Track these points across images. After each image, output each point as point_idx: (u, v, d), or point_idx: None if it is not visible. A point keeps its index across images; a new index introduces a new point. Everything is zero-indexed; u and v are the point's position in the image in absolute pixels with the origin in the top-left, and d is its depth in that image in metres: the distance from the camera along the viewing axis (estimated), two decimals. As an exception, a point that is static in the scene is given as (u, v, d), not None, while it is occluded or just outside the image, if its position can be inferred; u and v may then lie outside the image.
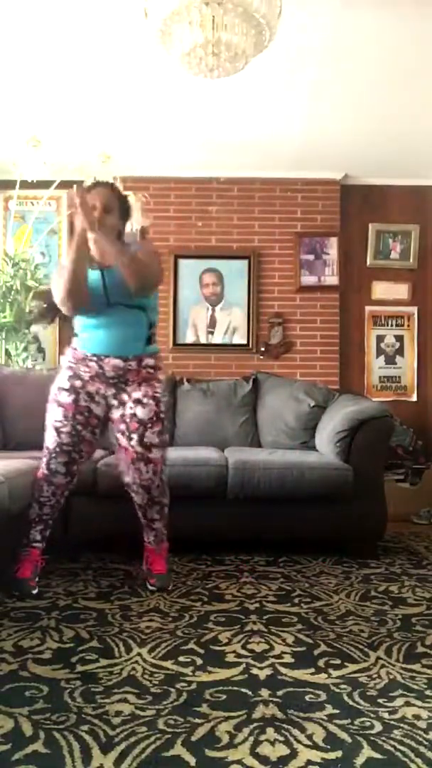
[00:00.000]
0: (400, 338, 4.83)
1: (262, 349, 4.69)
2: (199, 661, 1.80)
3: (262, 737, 1.39)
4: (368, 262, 4.82)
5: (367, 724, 1.45)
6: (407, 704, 1.55)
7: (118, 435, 2.50)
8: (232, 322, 4.70)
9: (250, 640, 1.97)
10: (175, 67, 2.66)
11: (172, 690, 1.62)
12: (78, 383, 2.48)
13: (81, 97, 3.57)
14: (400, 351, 4.83)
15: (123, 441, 2.48)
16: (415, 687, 1.65)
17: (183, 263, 4.69)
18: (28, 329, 4.13)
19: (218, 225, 4.72)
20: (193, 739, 1.39)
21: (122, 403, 2.48)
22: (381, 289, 4.84)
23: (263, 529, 3.00)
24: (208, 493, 2.98)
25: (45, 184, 4.04)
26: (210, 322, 4.69)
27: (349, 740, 1.38)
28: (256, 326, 4.69)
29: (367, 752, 1.33)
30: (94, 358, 2.46)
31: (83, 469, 2.61)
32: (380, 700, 1.57)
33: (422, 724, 1.45)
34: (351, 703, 1.56)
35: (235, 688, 1.63)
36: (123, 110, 3.74)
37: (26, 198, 4.44)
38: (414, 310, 4.84)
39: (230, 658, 1.83)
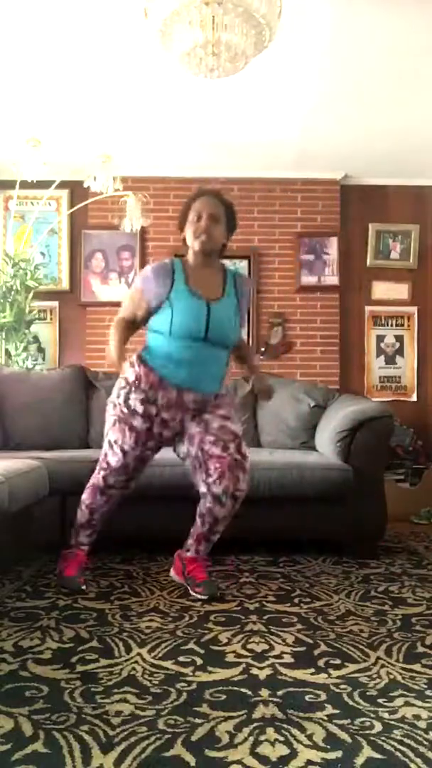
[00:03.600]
0: (400, 338, 4.83)
1: (262, 349, 4.69)
2: (199, 661, 1.80)
3: (262, 737, 1.39)
4: (368, 262, 4.82)
5: (367, 724, 1.45)
6: (407, 704, 1.55)
7: (208, 445, 2.36)
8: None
9: (250, 640, 1.97)
10: (175, 67, 2.66)
11: (172, 690, 1.62)
12: (153, 410, 2.37)
13: (81, 97, 3.57)
14: (400, 351, 4.83)
15: (216, 450, 2.35)
16: (415, 687, 1.65)
17: (183, 263, 4.69)
18: (28, 329, 4.13)
19: (218, 225, 4.72)
20: (193, 739, 1.38)
21: (204, 420, 2.40)
22: (381, 289, 4.84)
23: (263, 529, 3.00)
24: (208, 493, 2.98)
25: (45, 184, 4.04)
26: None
27: (349, 740, 1.38)
28: (256, 326, 4.69)
29: (367, 752, 1.33)
30: (174, 389, 2.36)
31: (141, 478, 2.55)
32: (380, 700, 1.57)
33: (422, 724, 1.45)
34: (351, 703, 1.56)
35: (235, 688, 1.63)
36: (123, 110, 3.75)
37: (26, 198, 4.44)
38: (414, 310, 4.84)
39: (230, 658, 1.83)
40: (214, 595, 2.36)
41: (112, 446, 2.41)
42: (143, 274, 2.41)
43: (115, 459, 2.41)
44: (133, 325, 2.48)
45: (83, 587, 2.43)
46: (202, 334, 2.31)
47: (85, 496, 2.49)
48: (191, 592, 2.41)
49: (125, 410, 2.38)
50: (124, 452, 2.39)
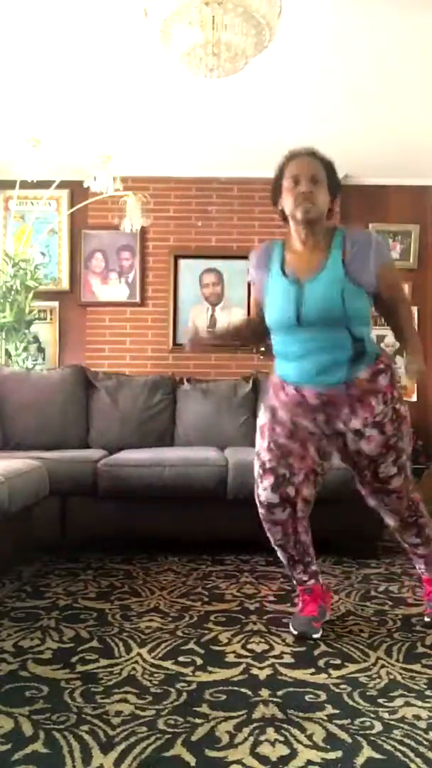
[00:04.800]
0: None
1: (262, 349, 4.68)
2: (199, 661, 1.80)
3: (262, 737, 1.39)
4: (368, 262, 4.81)
5: (367, 724, 1.45)
6: (407, 704, 1.55)
7: (356, 476, 2.12)
8: (232, 323, 4.69)
9: (250, 640, 1.97)
10: (175, 67, 2.66)
11: (172, 690, 1.62)
12: (275, 403, 2.07)
13: (81, 97, 3.57)
14: (400, 351, 4.82)
15: (356, 475, 2.11)
16: (415, 687, 1.65)
17: (183, 263, 4.69)
18: (28, 329, 4.13)
19: (218, 225, 4.72)
20: (193, 739, 1.39)
21: (339, 434, 2.02)
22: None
23: (263, 529, 3.00)
24: (208, 493, 2.98)
25: (45, 184, 4.04)
26: (210, 322, 4.69)
27: (349, 740, 1.38)
28: (256, 326, 4.69)
29: (367, 752, 1.33)
30: (292, 386, 2.02)
31: (308, 494, 2.10)
32: (380, 700, 1.57)
33: (422, 724, 1.45)
34: (351, 703, 1.56)
35: (235, 688, 1.64)
36: (123, 110, 3.74)
37: (26, 198, 4.43)
38: (414, 310, 4.83)
39: (230, 658, 1.83)
40: None
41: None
42: (249, 263, 2.16)
43: (255, 468, 2.09)
44: (262, 323, 2.12)
45: (316, 635, 2.01)
46: (293, 321, 1.96)
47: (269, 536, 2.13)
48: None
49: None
50: (257, 455, 2.08)
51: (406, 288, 4.83)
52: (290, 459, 2.03)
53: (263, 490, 2.05)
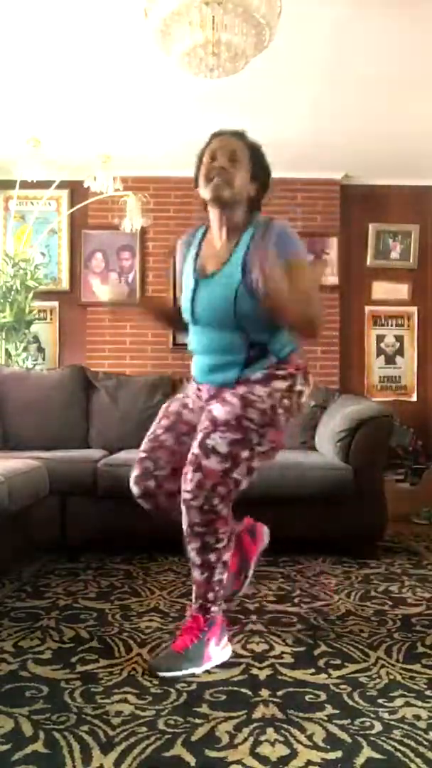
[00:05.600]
0: (400, 338, 4.83)
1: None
2: (199, 661, 1.80)
3: (262, 737, 1.39)
4: (368, 262, 4.81)
5: (367, 724, 1.45)
6: (407, 704, 1.55)
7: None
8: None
9: (250, 640, 1.97)
10: (175, 67, 2.66)
11: (172, 690, 1.62)
12: (180, 394, 2.03)
13: (81, 97, 3.57)
14: (400, 351, 4.83)
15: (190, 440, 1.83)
16: (415, 687, 1.64)
17: (183, 263, 4.69)
18: (28, 329, 4.14)
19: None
20: (193, 739, 1.38)
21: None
22: (381, 289, 4.84)
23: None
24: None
25: (45, 184, 4.04)
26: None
27: (349, 740, 1.38)
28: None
29: (367, 752, 1.33)
30: (195, 384, 1.95)
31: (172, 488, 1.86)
32: (380, 700, 1.57)
33: (422, 724, 1.45)
34: (351, 703, 1.56)
35: (235, 688, 1.63)
36: (123, 110, 3.74)
37: (26, 198, 4.44)
38: (414, 310, 4.84)
39: (230, 658, 1.83)
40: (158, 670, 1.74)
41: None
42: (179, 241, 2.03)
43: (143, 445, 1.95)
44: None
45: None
46: (189, 317, 1.90)
47: None
48: None
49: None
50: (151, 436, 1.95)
51: (405, 288, 4.84)
52: (159, 452, 1.88)
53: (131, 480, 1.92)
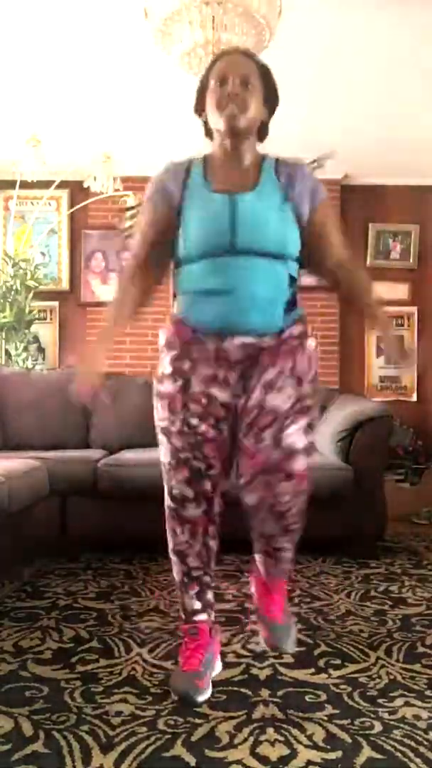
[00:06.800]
0: (400, 338, 4.83)
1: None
2: (199, 661, 1.80)
3: (262, 737, 1.39)
4: (368, 262, 4.81)
5: (367, 724, 1.45)
6: (407, 704, 1.55)
7: (241, 432, 1.60)
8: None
9: (250, 640, 1.97)
10: (175, 67, 2.66)
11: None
12: (186, 365, 1.61)
13: (81, 96, 3.57)
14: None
15: (247, 441, 1.58)
16: (415, 687, 1.64)
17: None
18: (28, 329, 4.14)
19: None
20: (193, 739, 1.39)
21: (248, 387, 1.59)
22: (381, 289, 4.79)
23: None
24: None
25: (45, 184, 4.04)
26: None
27: (349, 740, 1.38)
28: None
29: (367, 752, 1.33)
30: (212, 340, 1.59)
31: (226, 486, 1.69)
32: (380, 700, 1.57)
33: (422, 724, 1.45)
34: (351, 703, 1.56)
35: (235, 688, 1.63)
36: (123, 110, 3.75)
37: (26, 198, 4.44)
38: (414, 310, 4.84)
39: (230, 658, 1.83)
40: (282, 649, 1.73)
41: (159, 440, 1.67)
42: (152, 180, 1.73)
43: (164, 451, 1.64)
44: (150, 272, 1.71)
45: (201, 697, 1.56)
46: (226, 240, 1.56)
47: (169, 539, 1.70)
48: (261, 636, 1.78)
49: (156, 384, 1.67)
50: (166, 433, 1.63)
51: (405, 288, 4.84)
52: (205, 448, 1.60)
53: (177, 483, 1.62)
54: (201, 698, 1.55)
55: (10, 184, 4.08)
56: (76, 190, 4.38)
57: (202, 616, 1.72)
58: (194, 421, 1.59)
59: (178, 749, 1.34)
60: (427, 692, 1.62)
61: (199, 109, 1.69)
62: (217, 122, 1.62)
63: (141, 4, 2.46)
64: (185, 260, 1.63)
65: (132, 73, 3.32)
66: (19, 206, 4.30)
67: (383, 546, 3.18)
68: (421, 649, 1.90)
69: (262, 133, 1.70)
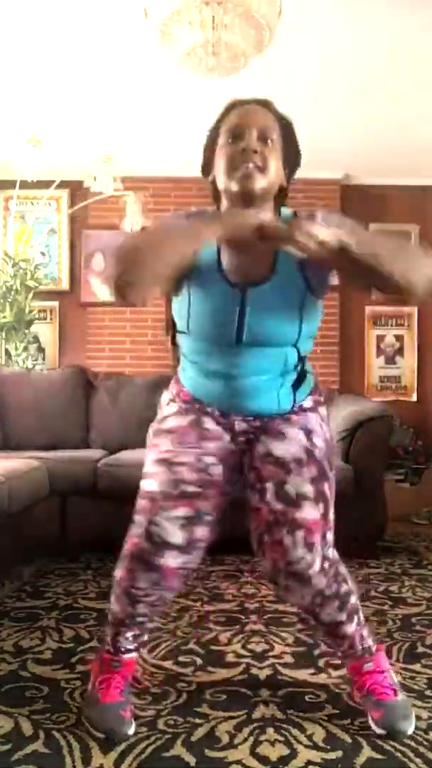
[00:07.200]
0: (400, 338, 4.83)
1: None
2: (199, 661, 1.80)
3: (262, 737, 1.39)
4: (368, 262, 4.81)
5: (367, 724, 1.45)
6: (407, 704, 1.55)
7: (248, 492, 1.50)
8: None
9: (250, 640, 1.97)
10: (175, 67, 2.66)
11: (172, 690, 1.62)
12: (194, 412, 1.51)
13: (81, 97, 3.57)
14: (400, 351, 4.83)
15: (254, 499, 1.47)
16: (415, 687, 1.64)
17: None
18: (28, 329, 4.14)
19: (218, 225, 4.71)
20: (193, 739, 1.39)
21: (255, 471, 1.48)
22: (381, 289, 4.84)
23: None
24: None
25: (45, 184, 4.04)
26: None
27: (349, 740, 1.38)
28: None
29: (367, 752, 1.33)
30: (216, 412, 1.49)
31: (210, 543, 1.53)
32: (380, 700, 1.57)
33: (422, 724, 1.44)
34: (351, 703, 1.56)
35: (235, 688, 1.64)
36: (123, 110, 3.74)
37: (26, 198, 4.43)
38: (414, 310, 4.83)
39: (230, 658, 1.83)
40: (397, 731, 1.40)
41: (151, 471, 1.54)
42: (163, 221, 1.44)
43: (154, 482, 1.50)
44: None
45: (129, 730, 1.41)
46: (232, 335, 1.41)
47: (121, 578, 1.47)
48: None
49: (157, 425, 1.57)
50: (169, 465, 1.48)
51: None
52: (212, 489, 1.47)
53: (165, 521, 1.42)
54: (130, 731, 1.40)
55: (10, 184, 4.08)
56: (76, 190, 4.38)
57: (132, 655, 1.55)
58: (209, 460, 1.45)
59: (178, 749, 1.34)
60: (427, 692, 1.62)
61: (207, 168, 1.46)
62: (228, 184, 1.37)
63: (141, 4, 2.46)
64: (186, 335, 1.49)
65: (132, 72, 3.32)
66: (19, 206, 4.29)
67: (383, 546, 3.18)
68: (421, 649, 1.91)
69: (279, 199, 1.47)
